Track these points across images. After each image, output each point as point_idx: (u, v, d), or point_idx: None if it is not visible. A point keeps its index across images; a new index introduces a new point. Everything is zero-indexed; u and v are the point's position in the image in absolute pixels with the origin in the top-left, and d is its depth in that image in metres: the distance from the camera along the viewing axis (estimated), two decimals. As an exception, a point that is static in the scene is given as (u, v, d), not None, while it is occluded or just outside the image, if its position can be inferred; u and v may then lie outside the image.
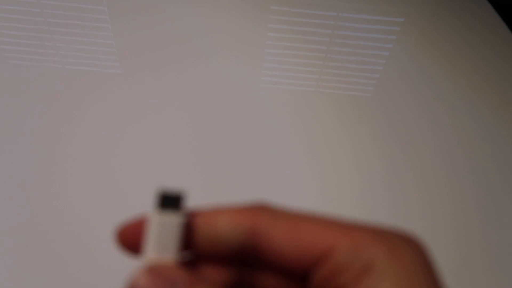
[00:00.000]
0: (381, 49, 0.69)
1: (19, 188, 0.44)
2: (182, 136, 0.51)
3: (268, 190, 0.48)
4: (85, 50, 0.60)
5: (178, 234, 0.17)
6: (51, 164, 0.47)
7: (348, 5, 0.75)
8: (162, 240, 0.17)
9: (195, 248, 0.19)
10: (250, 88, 0.59)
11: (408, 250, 0.17)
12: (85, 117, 0.51)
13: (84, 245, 0.41)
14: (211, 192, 0.46)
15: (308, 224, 0.18)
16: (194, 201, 0.41)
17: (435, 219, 0.48)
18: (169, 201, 0.17)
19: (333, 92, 0.61)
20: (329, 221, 0.18)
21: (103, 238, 0.41)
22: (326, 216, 0.19)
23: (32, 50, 0.59)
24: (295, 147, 0.53)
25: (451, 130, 0.58)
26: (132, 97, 0.55)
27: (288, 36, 0.68)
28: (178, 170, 0.48)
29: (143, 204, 0.44)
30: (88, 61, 0.58)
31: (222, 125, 0.53)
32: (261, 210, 0.19)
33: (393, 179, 0.51)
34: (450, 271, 0.44)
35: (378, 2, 0.77)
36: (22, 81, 0.54)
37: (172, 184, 0.47)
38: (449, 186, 0.51)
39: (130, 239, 0.19)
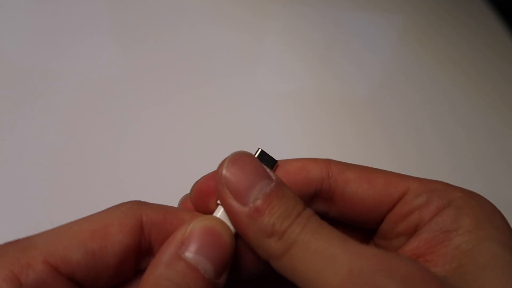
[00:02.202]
0: (381, 49, 0.69)
1: (20, 195, 0.44)
2: (178, 140, 0.51)
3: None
4: (86, 50, 0.60)
5: None
6: (49, 165, 0.46)
7: (348, 4, 0.76)
8: None
9: None
10: (250, 88, 0.59)
11: (481, 197, 0.17)
12: (85, 117, 0.51)
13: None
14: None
15: (380, 173, 0.19)
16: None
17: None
18: (263, 162, 0.17)
19: (332, 92, 0.60)
20: (398, 173, 0.19)
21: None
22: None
23: (32, 50, 0.58)
24: (295, 147, 0.52)
25: (454, 129, 0.58)
26: (132, 98, 0.55)
27: (287, 36, 0.68)
28: (175, 175, 0.47)
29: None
30: (89, 61, 0.58)
31: (220, 125, 0.53)
32: (331, 160, 0.19)
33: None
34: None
35: (378, 1, 0.77)
36: (22, 81, 0.54)
37: (168, 191, 0.46)
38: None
39: (204, 193, 0.19)
